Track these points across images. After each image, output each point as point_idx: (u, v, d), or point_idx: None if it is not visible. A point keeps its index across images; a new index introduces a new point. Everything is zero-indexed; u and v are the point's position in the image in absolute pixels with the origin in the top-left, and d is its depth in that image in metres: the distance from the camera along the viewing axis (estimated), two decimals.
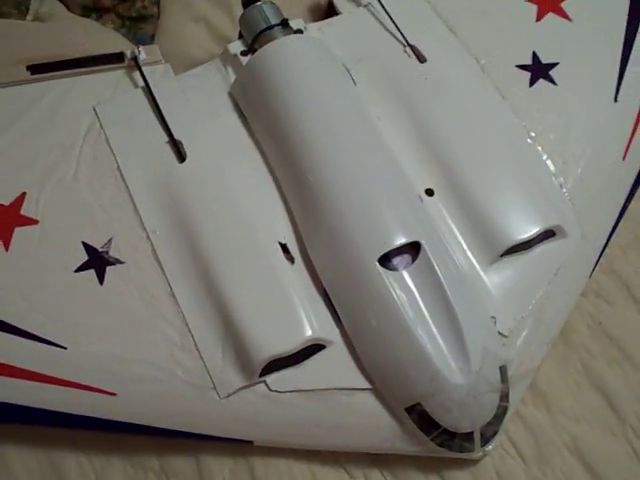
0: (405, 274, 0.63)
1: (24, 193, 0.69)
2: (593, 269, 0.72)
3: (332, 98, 0.71)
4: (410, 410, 0.62)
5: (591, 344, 0.72)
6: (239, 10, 0.79)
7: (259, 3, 0.77)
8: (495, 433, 0.64)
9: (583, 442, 0.68)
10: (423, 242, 0.63)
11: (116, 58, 0.76)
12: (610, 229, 0.74)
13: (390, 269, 0.63)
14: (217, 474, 0.66)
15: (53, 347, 0.63)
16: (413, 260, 0.63)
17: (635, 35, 0.79)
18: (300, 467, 0.66)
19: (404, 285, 0.62)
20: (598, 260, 0.73)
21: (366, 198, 0.65)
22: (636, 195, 0.76)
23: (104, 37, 0.79)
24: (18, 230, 0.67)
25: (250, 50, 0.75)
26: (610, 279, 0.75)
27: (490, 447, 0.64)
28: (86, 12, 0.85)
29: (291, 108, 0.70)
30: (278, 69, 0.71)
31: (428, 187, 0.70)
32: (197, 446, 0.66)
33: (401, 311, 0.61)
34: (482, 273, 0.68)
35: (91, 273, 0.66)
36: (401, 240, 0.63)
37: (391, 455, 0.66)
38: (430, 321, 0.62)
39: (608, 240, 0.73)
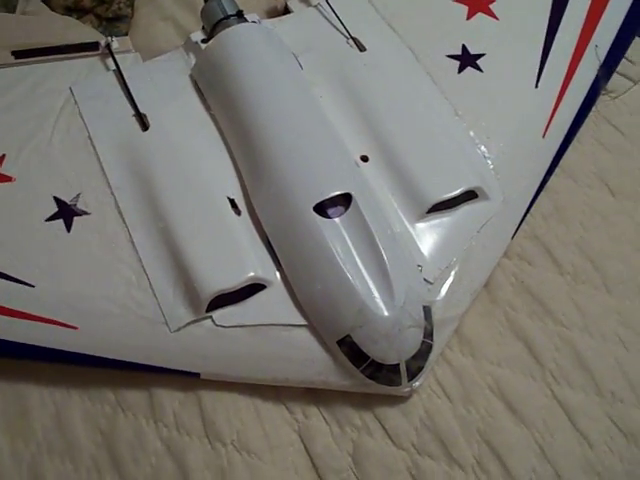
0: (337, 221, 0.70)
1: (4, 155, 0.77)
2: (515, 232, 0.80)
3: (277, 77, 0.80)
4: (341, 343, 0.69)
5: (514, 300, 0.79)
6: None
7: None
8: (420, 369, 0.70)
9: (505, 384, 0.74)
10: (354, 194, 0.71)
11: (92, 47, 0.86)
12: (531, 197, 0.81)
13: (324, 217, 0.70)
14: (168, 406, 0.72)
15: (22, 285, 0.71)
16: (346, 211, 0.71)
17: (556, 31, 0.89)
18: (245, 401, 0.72)
19: (336, 231, 0.70)
20: (520, 224, 0.80)
21: (304, 156, 0.74)
22: (557, 171, 0.84)
23: (82, 31, 0.89)
24: None
25: (209, 38, 0.84)
26: (533, 244, 0.82)
27: (417, 383, 0.70)
28: (67, 13, 0.95)
29: (241, 85, 0.79)
30: (231, 51, 0.80)
31: (363, 154, 0.79)
32: (149, 380, 0.72)
33: (332, 252, 0.69)
34: (410, 228, 0.76)
35: (60, 222, 0.74)
36: (334, 191, 0.71)
37: (327, 392, 0.72)
38: (359, 261, 0.69)
39: (529, 208, 0.81)
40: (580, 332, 0.77)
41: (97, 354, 0.70)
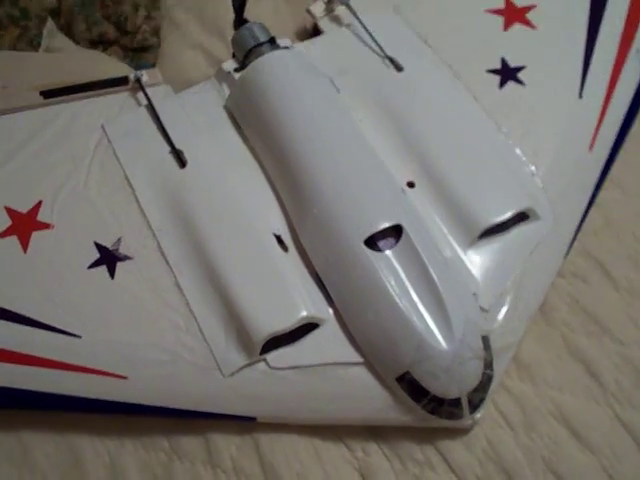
0: (389, 254, 0.68)
1: (40, 201, 0.75)
2: (568, 250, 0.77)
3: (316, 103, 0.78)
4: (400, 379, 0.67)
5: (570, 320, 0.76)
6: (232, 35, 0.86)
7: (248, 24, 0.84)
8: (482, 400, 0.68)
9: (567, 409, 0.72)
10: (405, 225, 0.69)
11: (121, 81, 0.84)
12: (582, 214, 0.79)
13: (375, 250, 0.68)
14: (224, 451, 0.70)
15: (69, 336, 0.69)
16: (396, 242, 0.69)
17: (595, 38, 0.86)
18: (303, 442, 0.70)
19: (389, 264, 0.68)
20: (572, 242, 0.78)
21: (351, 188, 0.71)
22: (605, 184, 0.82)
23: (109, 65, 0.87)
24: (35, 234, 0.73)
25: (242, 67, 0.82)
26: (585, 260, 0.80)
27: (479, 415, 0.68)
28: (92, 46, 0.93)
29: (280, 114, 0.76)
30: (267, 80, 0.78)
31: (409, 180, 0.76)
32: (204, 425, 0.70)
33: (387, 287, 0.67)
34: (462, 254, 0.73)
35: (103, 269, 0.72)
36: (384, 223, 0.69)
37: (387, 428, 0.70)
38: (414, 295, 0.67)
39: (580, 224, 0.79)
40: None
41: (148, 403, 0.68)
